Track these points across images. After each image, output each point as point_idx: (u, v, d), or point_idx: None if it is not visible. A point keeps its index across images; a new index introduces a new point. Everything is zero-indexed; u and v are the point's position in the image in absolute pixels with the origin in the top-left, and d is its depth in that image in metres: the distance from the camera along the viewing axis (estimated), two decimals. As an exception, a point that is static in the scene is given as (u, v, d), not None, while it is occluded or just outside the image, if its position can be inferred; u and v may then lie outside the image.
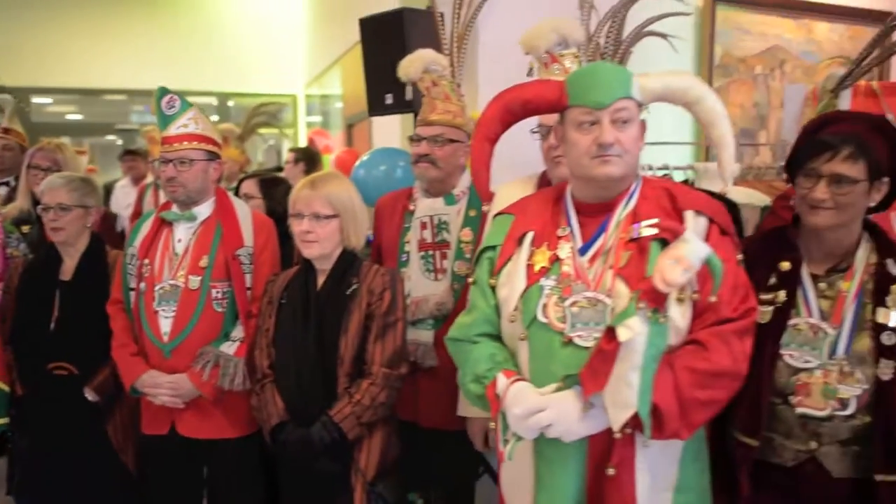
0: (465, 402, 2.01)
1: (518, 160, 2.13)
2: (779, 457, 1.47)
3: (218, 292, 2.10)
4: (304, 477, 1.94)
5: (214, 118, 7.64)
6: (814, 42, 3.82)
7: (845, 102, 2.60)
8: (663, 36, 2.56)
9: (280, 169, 4.63)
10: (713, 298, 1.31)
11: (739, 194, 2.91)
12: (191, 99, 2.21)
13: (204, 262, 2.10)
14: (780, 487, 1.47)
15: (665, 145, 2.89)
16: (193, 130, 2.15)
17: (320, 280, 1.99)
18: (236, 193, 2.92)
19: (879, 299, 1.43)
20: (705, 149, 3.58)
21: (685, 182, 3.12)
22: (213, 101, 7.80)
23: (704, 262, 1.27)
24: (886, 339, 1.40)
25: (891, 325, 1.40)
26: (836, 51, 3.85)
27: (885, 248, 1.48)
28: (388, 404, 1.94)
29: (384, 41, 2.71)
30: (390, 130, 4.04)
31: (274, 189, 2.74)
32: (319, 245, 1.94)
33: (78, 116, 8.13)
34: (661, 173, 2.81)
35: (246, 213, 2.22)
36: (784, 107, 3.71)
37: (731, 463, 1.49)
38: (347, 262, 2.00)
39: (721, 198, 2.89)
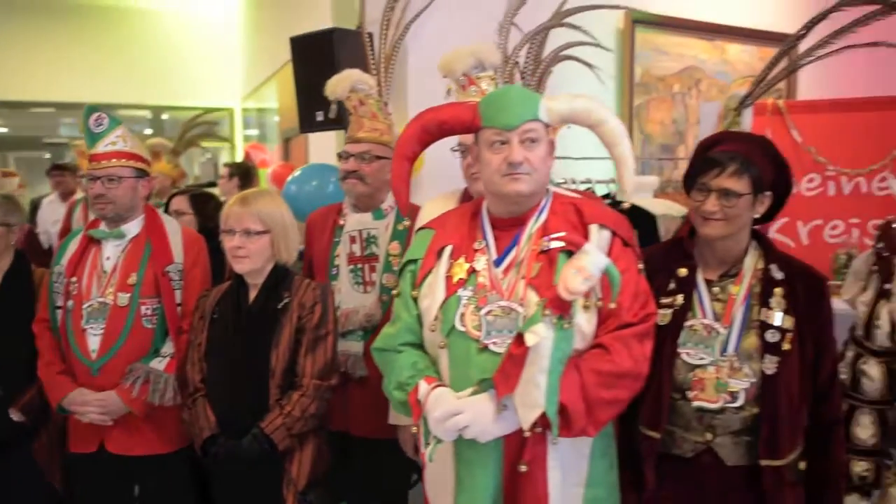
0: (395, 412, 2.08)
1: (455, 175, 2.21)
2: (679, 448, 1.58)
3: (147, 309, 2.12)
4: (236, 489, 1.97)
5: (148, 131, 7.52)
6: (727, 63, 4.07)
7: (747, 120, 2.80)
8: (584, 63, 2.70)
9: (213, 184, 4.61)
10: (612, 305, 1.42)
11: (658, 206, 3.08)
12: (123, 112, 2.24)
13: (133, 279, 2.12)
14: (681, 478, 1.59)
15: (589, 160, 3.03)
16: (122, 148, 2.16)
17: (252, 294, 2.03)
18: (167, 208, 2.93)
19: (765, 301, 1.56)
20: (627, 163, 3.75)
21: (607, 195, 3.27)
22: (147, 114, 7.67)
23: (604, 272, 1.38)
24: (770, 336, 1.54)
25: (775, 324, 1.54)
26: (748, 71, 4.10)
27: (770, 255, 1.62)
28: (318, 415, 1.99)
29: (314, 60, 2.77)
30: (327, 145, 4.09)
31: (205, 205, 2.76)
32: (250, 260, 1.98)
33: (3, 130, 7.87)
34: (584, 187, 2.95)
35: (175, 229, 2.24)
36: (700, 123, 3.93)
37: (638, 457, 1.60)
38: (279, 277, 2.05)
39: (640, 209, 3.07)
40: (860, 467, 1.62)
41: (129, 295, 2.10)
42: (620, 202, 3.12)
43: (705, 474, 1.57)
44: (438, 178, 2.39)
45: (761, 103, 3.48)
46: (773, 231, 3.65)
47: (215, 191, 4.12)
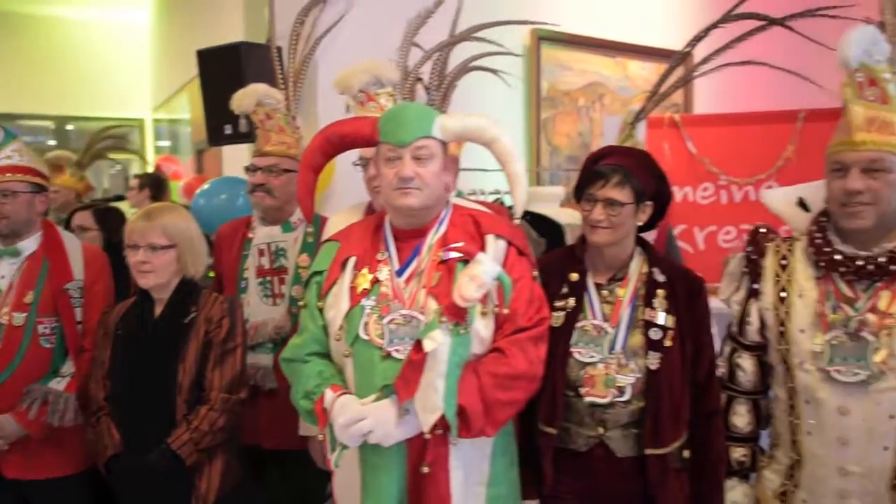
0: (307, 423, 2.10)
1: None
2: (574, 443, 1.68)
3: (45, 328, 2.06)
4: (143, 507, 1.94)
5: (51, 143, 7.20)
6: (628, 78, 4.28)
7: (642, 133, 2.96)
8: (490, 70, 2.79)
9: (121, 198, 4.48)
10: (506, 310, 1.50)
11: (566, 216, 3.21)
12: (25, 123, 2.17)
13: (29, 297, 2.06)
14: (576, 471, 1.68)
15: (499, 172, 3.14)
16: (17, 162, 2.11)
17: (158, 309, 2.01)
18: (68, 223, 2.85)
19: (648, 302, 1.68)
20: (535, 174, 3.90)
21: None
22: (50, 124, 7.34)
23: (496, 280, 1.46)
24: (654, 334, 1.65)
25: (658, 322, 1.66)
26: (647, 86, 4.32)
27: (653, 260, 1.74)
28: (227, 429, 1.98)
29: (222, 73, 2.76)
30: (241, 158, 4.03)
31: (109, 219, 2.70)
32: (155, 275, 1.96)
33: None
34: (492, 198, 3.05)
35: (75, 245, 2.19)
36: (604, 136, 4.12)
37: (537, 453, 1.69)
38: (186, 291, 2.04)
39: (548, 219, 3.20)
40: (738, 453, 1.75)
41: (24, 315, 2.04)
42: (527, 213, 3.25)
43: (598, 466, 1.67)
44: (349, 191, 2.42)
45: (658, 117, 3.69)
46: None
47: (123, 205, 4.01)
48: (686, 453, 1.69)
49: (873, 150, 1.49)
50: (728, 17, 2.33)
